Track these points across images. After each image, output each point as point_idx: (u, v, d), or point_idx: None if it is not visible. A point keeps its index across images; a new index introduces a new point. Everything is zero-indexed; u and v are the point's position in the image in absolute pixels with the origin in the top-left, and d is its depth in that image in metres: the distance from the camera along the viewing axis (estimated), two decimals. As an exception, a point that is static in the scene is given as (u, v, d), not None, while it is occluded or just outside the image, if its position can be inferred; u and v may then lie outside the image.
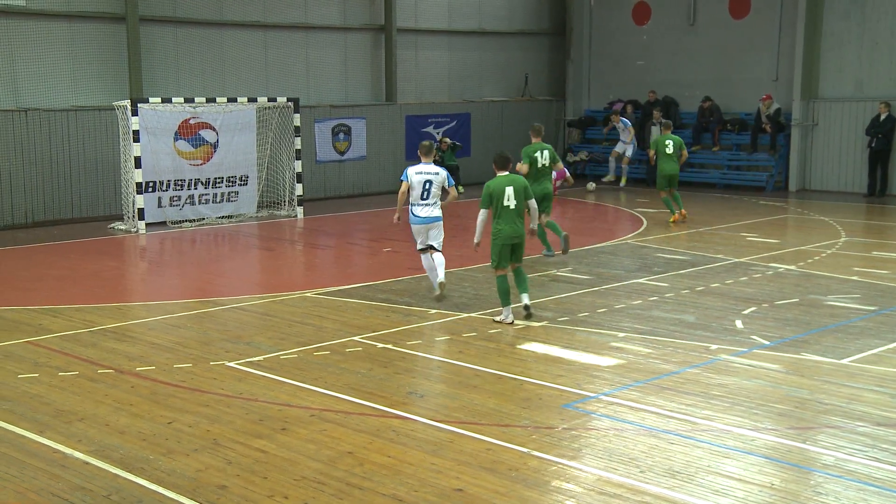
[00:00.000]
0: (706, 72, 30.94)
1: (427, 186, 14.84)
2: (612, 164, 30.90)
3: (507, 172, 14.17)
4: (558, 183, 21.63)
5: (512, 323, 13.81)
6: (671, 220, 22.73)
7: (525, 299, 14.10)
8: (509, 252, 13.95)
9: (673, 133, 23.50)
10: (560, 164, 18.79)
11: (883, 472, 8.92)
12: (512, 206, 13.75)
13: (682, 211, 22.83)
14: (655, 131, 29.96)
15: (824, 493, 8.50)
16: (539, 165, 17.86)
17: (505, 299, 13.88)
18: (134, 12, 24.04)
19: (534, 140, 18.16)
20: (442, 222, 15.24)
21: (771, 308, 14.97)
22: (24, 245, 20.54)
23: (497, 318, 13.98)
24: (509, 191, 13.80)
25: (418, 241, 15.20)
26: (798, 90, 28.85)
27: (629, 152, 30.26)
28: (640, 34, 32.47)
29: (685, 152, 23.13)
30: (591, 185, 29.42)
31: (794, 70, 28.95)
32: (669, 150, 22.44)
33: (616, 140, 30.85)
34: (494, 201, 13.83)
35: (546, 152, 18.04)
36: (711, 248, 19.98)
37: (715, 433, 9.85)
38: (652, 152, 24.00)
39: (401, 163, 29.26)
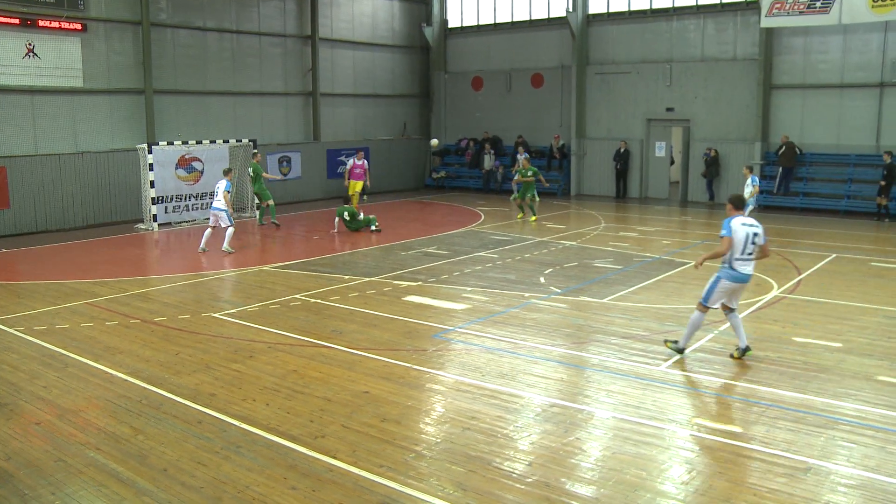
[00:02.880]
0: (518, 119, 31.10)
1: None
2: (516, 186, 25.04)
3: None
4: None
5: None
6: (532, 219, 21.99)
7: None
8: None
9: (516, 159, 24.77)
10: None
11: (625, 365, 9.21)
12: None
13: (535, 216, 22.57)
14: (488, 159, 30.29)
15: (593, 381, 8.74)
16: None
17: None
18: (150, 87, 23.62)
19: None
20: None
21: (561, 269, 15.26)
22: (82, 240, 19.83)
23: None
24: None
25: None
26: (574, 132, 29.29)
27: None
28: (477, 96, 32.53)
29: (540, 175, 22.85)
30: (434, 141, 25.94)
31: (572, 119, 29.34)
32: (528, 174, 22.28)
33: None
34: None
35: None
36: (524, 232, 20.24)
37: (528, 349, 10.04)
38: (518, 177, 22.91)
39: (324, 181, 29.02)
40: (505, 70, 31.49)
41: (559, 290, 13.33)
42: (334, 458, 6.85)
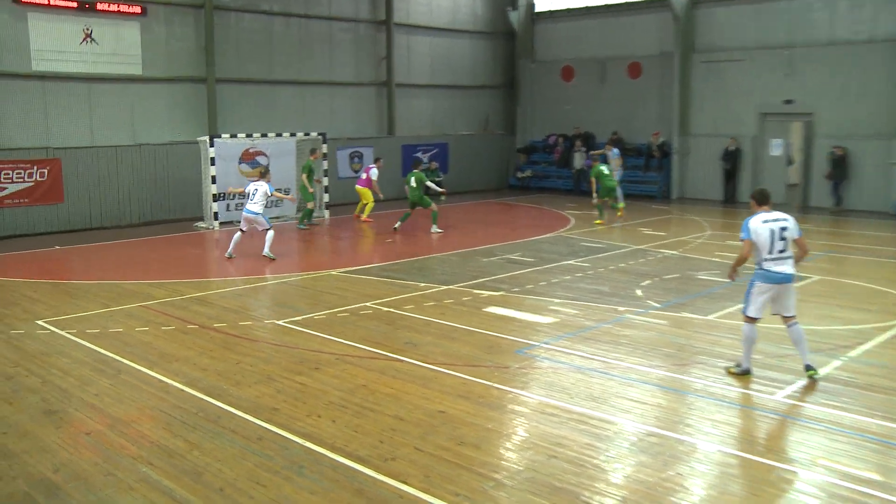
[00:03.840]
0: (613, 113, 30.83)
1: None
2: (619, 192, 24.71)
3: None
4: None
5: None
6: (597, 222, 22.61)
7: None
8: None
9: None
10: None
11: (736, 392, 8.96)
12: None
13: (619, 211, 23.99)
14: (578, 157, 29.99)
15: (696, 409, 8.53)
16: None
17: None
18: (212, 75, 24.33)
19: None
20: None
21: (660, 281, 15.00)
22: (137, 238, 20.44)
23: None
24: None
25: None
26: (676, 128, 28.84)
27: (617, 176, 26.28)
28: (567, 87, 32.35)
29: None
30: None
31: (673, 114, 28.90)
32: (606, 171, 22.93)
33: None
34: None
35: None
36: (619, 238, 19.99)
37: (622, 369, 9.86)
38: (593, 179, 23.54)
39: (398, 179, 29.25)
40: (598, 58, 31.22)
41: (658, 305, 13.09)
42: (405, 482, 6.82)
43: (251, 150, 23.55)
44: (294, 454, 7.41)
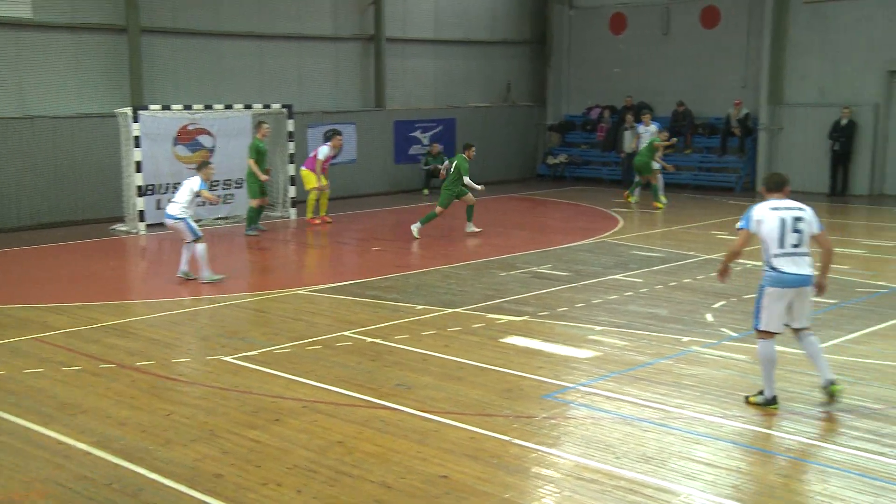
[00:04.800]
0: (679, 78, 30.97)
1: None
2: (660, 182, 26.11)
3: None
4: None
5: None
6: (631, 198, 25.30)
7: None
8: None
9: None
10: None
11: (842, 454, 8.95)
12: None
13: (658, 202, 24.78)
14: (629, 136, 29.98)
15: (787, 476, 8.53)
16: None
17: None
18: (135, 23, 24.15)
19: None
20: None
21: (739, 301, 14.97)
22: (31, 246, 20.49)
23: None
24: None
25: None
26: (765, 96, 28.90)
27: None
28: (617, 43, 32.48)
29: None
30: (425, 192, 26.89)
31: (762, 77, 28.99)
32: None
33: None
34: None
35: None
36: (683, 245, 20.00)
37: (686, 420, 9.87)
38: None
39: (390, 166, 29.32)
40: (660, 2, 31.33)
41: (735, 335, 13.09)
42: (393, 574, 6.85)
43: (190, 128, 23.61)
44: (243, 535, 7.44)
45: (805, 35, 28.41)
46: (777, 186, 10.10)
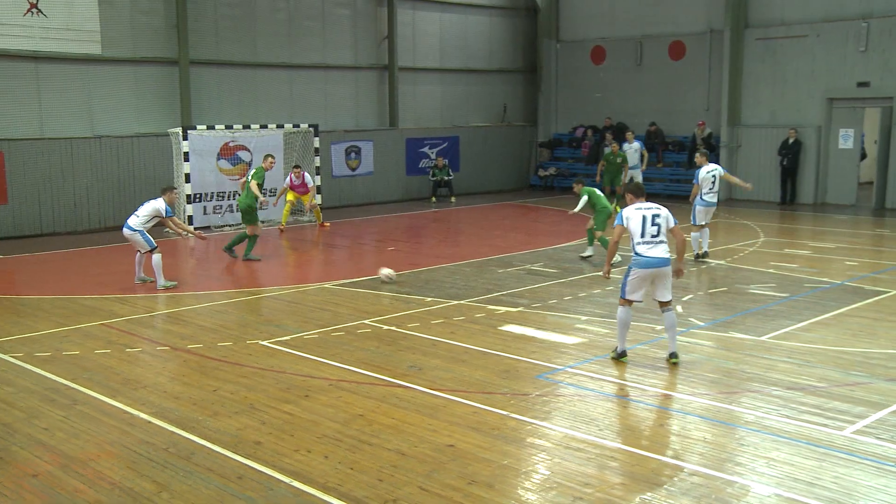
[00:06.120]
0: (651, 102, 30.95)
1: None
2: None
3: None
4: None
5: None
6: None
7: None
8: None
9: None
10: None
11: (792, 426, 8.93)
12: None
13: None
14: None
15: (746, 445, 8.51)
16: None
17: None
18: (185, 57, 24.34)
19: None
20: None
21: (705, 295, 14.99)
22: (97, 246, 20.54)
23: None
24: None
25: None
26: (725, 118, 28.86)
27: (640, 176, 27.09)
28: (598, 71, 32.45)
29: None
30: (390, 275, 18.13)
31: (722, 101, 28.96)
32: (599, 192, 22.45)
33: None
34: None
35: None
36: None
37: (659, 398, 9.87)
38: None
39: (402, 177, 29.34)
40: (634, 37, 31.32)
41: (702, 324, 13.08)
42: (408, 528, 6.85)
43: (231, 145, 23.68)
44: (280, 495, 7.43)
45: (758, 67, 28.41)
46: (641, 193, 11.13)
